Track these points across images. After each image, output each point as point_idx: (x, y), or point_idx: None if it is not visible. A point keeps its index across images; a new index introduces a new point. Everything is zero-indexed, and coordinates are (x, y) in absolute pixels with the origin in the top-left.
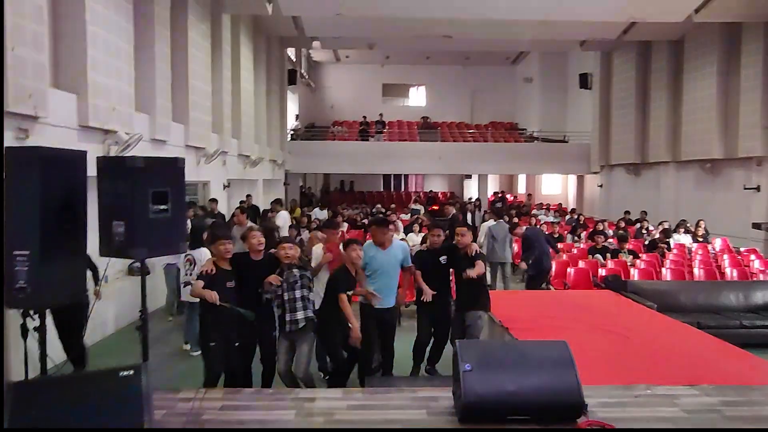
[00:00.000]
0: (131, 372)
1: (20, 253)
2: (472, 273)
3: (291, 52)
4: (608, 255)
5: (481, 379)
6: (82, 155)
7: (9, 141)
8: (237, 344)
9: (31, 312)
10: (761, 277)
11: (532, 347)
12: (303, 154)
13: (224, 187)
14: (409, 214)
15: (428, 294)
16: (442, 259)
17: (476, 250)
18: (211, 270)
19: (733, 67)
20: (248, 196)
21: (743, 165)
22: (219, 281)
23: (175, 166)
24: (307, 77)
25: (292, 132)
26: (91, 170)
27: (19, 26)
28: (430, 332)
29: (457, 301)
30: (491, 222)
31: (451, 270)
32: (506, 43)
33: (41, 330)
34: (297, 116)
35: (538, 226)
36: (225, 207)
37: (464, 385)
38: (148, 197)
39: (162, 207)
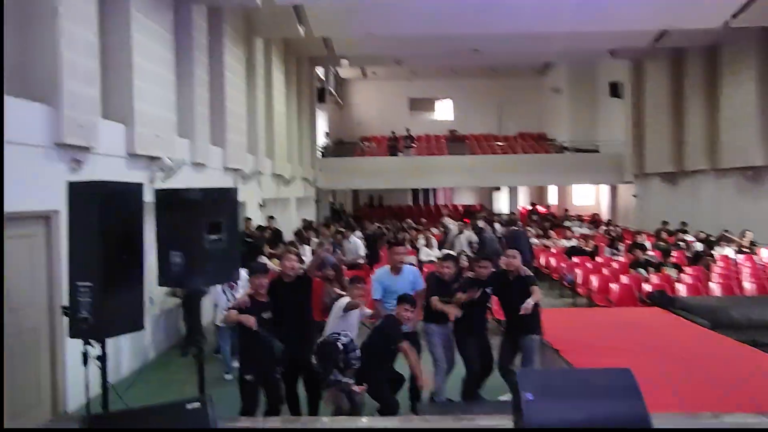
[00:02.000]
0: (198, 404)
1: (83, 285)
2: (529, 305)
3: (319, 70)
4: (651, 269)
5: (544, 409)
6: (138, 188)
7: (64, 172)
8: (278, 375)
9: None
10: None
11: (595, 375)
12: (332, 171)
13: (259, 206)
14: (442, 230)
15: (452, 313)
16: (489, 289)
17: (526, 272)
18: (245, 303)
19: None
20: (270, 218)
21: None
22: (254, 313)
23: (228, 196)
24: (335, 94)
25: (322, 150)
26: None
27: (72, 62)
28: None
29: (509, 325)
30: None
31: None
32: (534, 55)
33: (103, 359)
34: (327, 134)
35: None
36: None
37: (527, 415)
38: (204, 227)
39: (217, 237)
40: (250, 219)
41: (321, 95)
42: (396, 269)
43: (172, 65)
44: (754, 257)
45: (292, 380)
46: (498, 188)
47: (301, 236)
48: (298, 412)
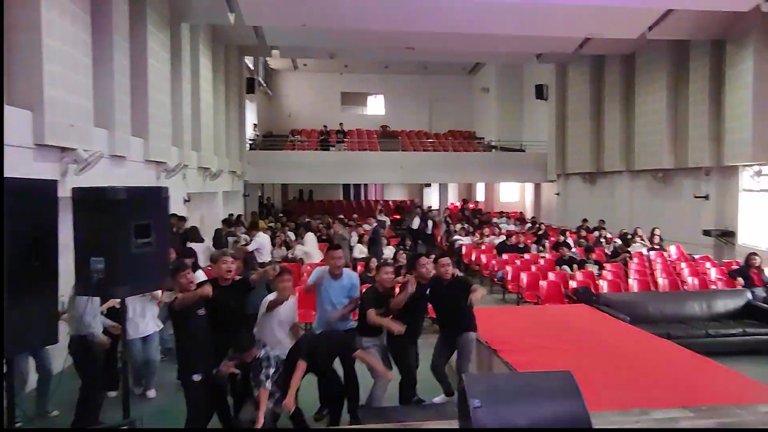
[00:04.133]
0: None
1: None
2: (477, 298)
3: (248, 60)
4: (575, 266)
5: (491, 414)
6: (51, 185)
7: None
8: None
9: None
10: (719, 284)
11: (538, 378)
12: (262, 164)
13: (185, 201)
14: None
15: (394, 329)
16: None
17: (455, 274)
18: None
19: (682, 82)
20: (180, 218)
21: (693, 174)
22: (189, 311)
23: (159, 196)
24: (264, 85)
25: (250, 142)
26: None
27: None
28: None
29: (444, 325)
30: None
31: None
32: (465, 55)
33: (8, 377)
34: (255, 125)
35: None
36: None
37: (474, 420)
38: (130, 230)
39: (145, 240)
40: (176, 215)
41: (250, 86)
42: (335, 274)
43: (88, 49)
44: (664, 254)
45: (223, 390)
46: (429, 184)
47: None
48: (228, 420)
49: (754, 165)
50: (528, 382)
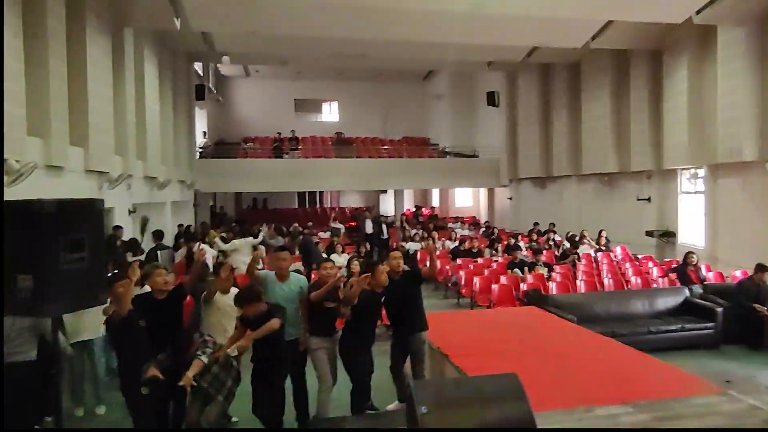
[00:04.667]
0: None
1: None
2: (431, 246)
3: (198, 66)
4: (526, 268)
5: (439, 420)
6: None
7: None
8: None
9: None
10: (660, 282)
11: (485, 381)
12: (213, 173)
13: (130, 212)
14: (329, 233)
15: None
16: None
17: (404, 268)
18: (117, 313)
19: (624, 90)
20: (116, 228)
21: (636, 178)
22: (128, 323)
23: (93, 208)
24: (215, 92)
25: (200, 150)
26: None
27: None
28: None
29: (396, 326)
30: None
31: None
32: (418, 62)
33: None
34: (204, 133)
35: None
36: (131, 234)
37: (422, 427)
38: (60, 245)
39: (78, 255)
40: (120, 227)
41: (200, 92)
42: (281, 276)
43: (20, 54)
44: (611, 254)
45: (166, 398)
46: (385, 191)
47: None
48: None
49: (690, 168)
50: (475, 386)
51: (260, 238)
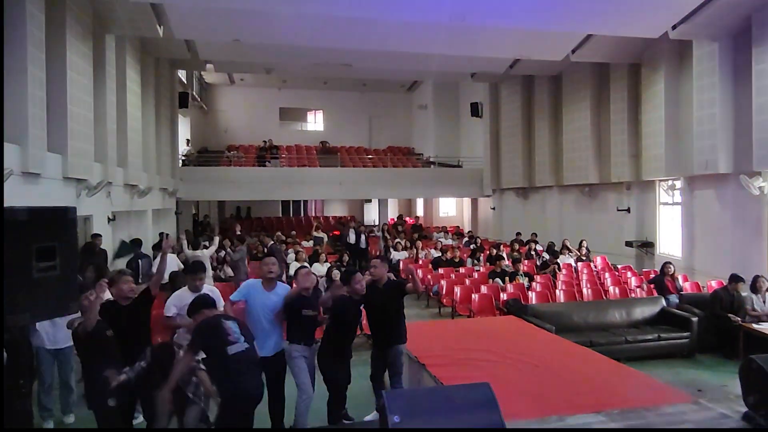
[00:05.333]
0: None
1: None
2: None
3: (183, 73)
4: (507, 278)
5: (411, 429)
6: None
7: None
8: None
9: None
10: (638, 292)
11: (457, 391)
12: (196, 181)
13: (109, 220)
14: (312, 242)
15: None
16: (361, 306)
17: (389, 277)
18: (83, 325)
19: (604, 102)
20: (95, 236)
21: (616, 189)
22: (97, 331)
23: (65, 216)
24: (199, 100)
25: (183, 158)
26: None
27: None
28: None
29: (376, 336)
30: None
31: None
32: (401, 72)
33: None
34: (188, 141)
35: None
36: (111, 242)
37: None
38: (31, 254)
39: (49, 264)
40: (99, 235)
41: (183, 100)
42: (269, 283)
43: None
44: (591, 265)
45: (131, 410)
46: (369, 200)
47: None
48: None
49: (668, 180)
50: (447, 396)
51: (211, 250)
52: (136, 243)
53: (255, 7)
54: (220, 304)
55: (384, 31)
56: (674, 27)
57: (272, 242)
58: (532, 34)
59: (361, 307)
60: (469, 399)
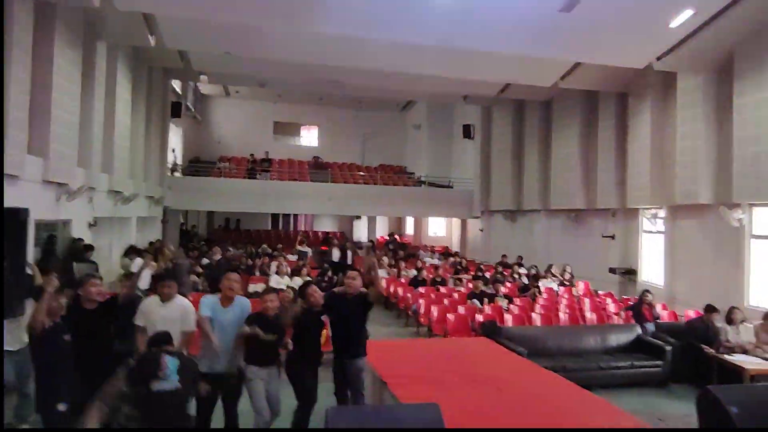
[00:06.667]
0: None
1: None
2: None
3: (177, 84)
4: (485, 299)
5: None
6: None
7: None
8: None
9: None
10: (615, 319)
11: (406, 411)
12: (185, 190)
13: (89, 225)
14: (297, 256)
15: (244, 332)
16: (322, 317)
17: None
18: (42, 325)
19: (593, 129)
20: (77, 240)
21: (602, 215)
22: (53, 335)
23: (15, 218)
24: (193, 110)
25: (173, 167)
26: None
27: None
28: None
29: (337, 349)
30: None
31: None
32: (396, 92)
33: None
34: (173, 150)
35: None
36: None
37: None
38: None
39: None
40: (81, 240)
41: (176, 109)
42: (227, 299)
43: None
44: (573, 289)
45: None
46: (359, 217)
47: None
48: None
49: (651, 208)
50: (393, 415)
51: (137, 262)
52: (88, 248)
53: (245, 21)
54: (191, 317)
55: (374, 50)
56: (658, 58)
57: (178, 261)
58: (521, 59)
59: (324, 318)
60: (415, 419)
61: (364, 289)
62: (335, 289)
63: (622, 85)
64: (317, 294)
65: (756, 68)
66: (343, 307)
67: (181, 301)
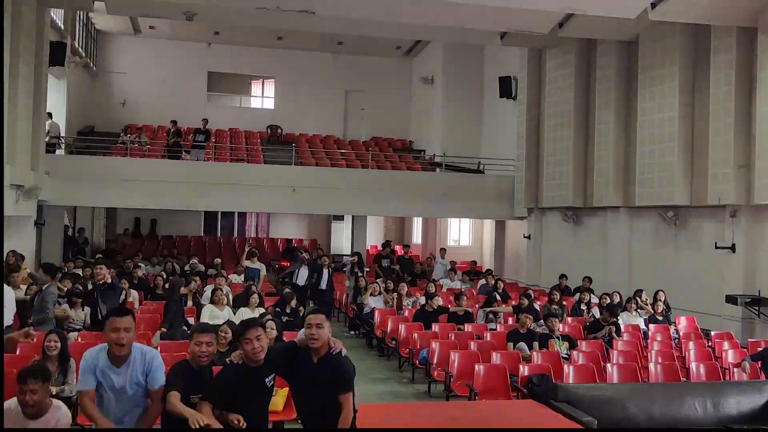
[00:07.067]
0: None
1: None
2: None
3: (59, 13)
4: (536, 343)
5: None
6: None
7: None
8: None
9: None
10: (736, 373)
11: None
12: (72, 177)
13: None
14: (243, 277)
15: (195, 419)
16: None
17: (336, 348)
18: None
19: (701, 82)
20: None
21: (714, 215)
22: None
23: None
24: (84, 55)
25: (55, 140)
26: None
27: None
28: None
29: (305, 421)
30: None
31: None
32: (397, 28)
33: None
34: (50, 114)
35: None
36: None
37: None
38: None
39: None
40: None
41: (58, 54)
42: (117, 358)
43: None
44: (670, 328)
45: None
46: (340, 217)
47: None
48: None
49: None
50: None
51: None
52: None
53: None
54: None
55: None
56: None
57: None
58: None
59: (272, 377)
60: None
61: (338, 348)
62: (297, 339)
63: (746, 16)
64: (258, 341)
65: None
66: (307, 368)
67: (56, 413)
